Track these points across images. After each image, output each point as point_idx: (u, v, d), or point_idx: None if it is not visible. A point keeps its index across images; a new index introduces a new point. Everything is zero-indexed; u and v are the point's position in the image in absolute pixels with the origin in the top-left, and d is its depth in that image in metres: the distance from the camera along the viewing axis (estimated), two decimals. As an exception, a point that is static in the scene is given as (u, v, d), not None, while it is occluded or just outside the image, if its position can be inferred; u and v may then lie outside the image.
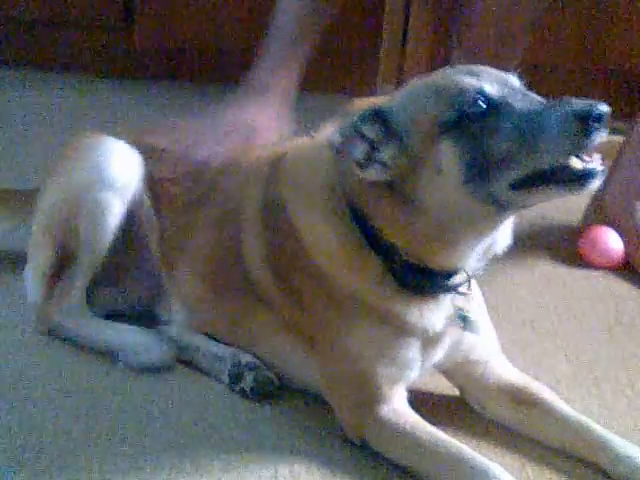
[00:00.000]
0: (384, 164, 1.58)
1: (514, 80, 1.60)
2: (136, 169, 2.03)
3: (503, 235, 1.67)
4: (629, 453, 1.65)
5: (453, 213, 1.57)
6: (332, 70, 3.88)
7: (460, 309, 1.70)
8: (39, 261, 2.03)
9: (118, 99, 3.85)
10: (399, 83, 3.60)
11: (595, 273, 2.58)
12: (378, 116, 1.59)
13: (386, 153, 1.58)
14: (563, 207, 2.96)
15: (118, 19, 4.04)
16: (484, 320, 1.83)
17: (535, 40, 3.02)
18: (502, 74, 1.60)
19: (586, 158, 1.49)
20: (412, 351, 1.70)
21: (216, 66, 4.05)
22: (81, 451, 1.64)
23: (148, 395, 1.82)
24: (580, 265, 2.61)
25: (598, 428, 1.70)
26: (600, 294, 2.46)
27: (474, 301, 1.77)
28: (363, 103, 1.66)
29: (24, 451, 1.63)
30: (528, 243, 2.72)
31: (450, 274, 1.66)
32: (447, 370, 1.84)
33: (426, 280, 1.66)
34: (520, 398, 1.79)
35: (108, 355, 1.93)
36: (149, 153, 2.06)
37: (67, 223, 1.98)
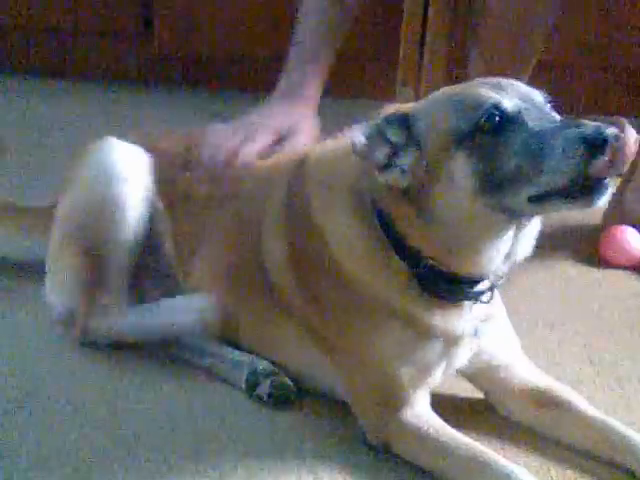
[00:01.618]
0: (403, 170, 1.59)
1: (537, 96, 1.59)
2: (143, 163, 2.03)
3: (524, 243, 1.65)
4: (657, 454, 1.64)
5: (466, 222, 1.57)
6: (351, 74, 3.89)
7: (479, 320, 1.71)
8: (69, 270, 2.01)
9: (138, 106, 3.86)
10: (418, 87, 3.61)
11: (616, 273, 2.58)
12: (403, 121, 1.60)
13: (406, 159, 1.59)
14: (583, 207, 2.95)
15: (138, 26, 4.06)
16: (505, 324, 1.84)
17: (552, 38, 3.01)
18: (526, 89, 1.59)
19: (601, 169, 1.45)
20: (435, 355, 1.70)
21: (235, 72, 4.06)
22: (105, 459, 1.65)
23: (170, 403, 1.83)
24: (601, 265, 2.61)
25: (622, 428, 1.70)
26: (621, 293, 2.46)
27: (495, 308, 1.77)
28: (393, 108, 1.66)
29: (48, 459, 1.64)
30: (548, 244, 2.68)
31: (473, 281, 1.66)
32: (470, 375, 1.84)
33: (449, 286, 1.66)
34: (543, 400, 1.79)
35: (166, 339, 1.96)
36: (157, 155, 2.06)
37: (88, 225, 1.98)
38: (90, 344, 1.99)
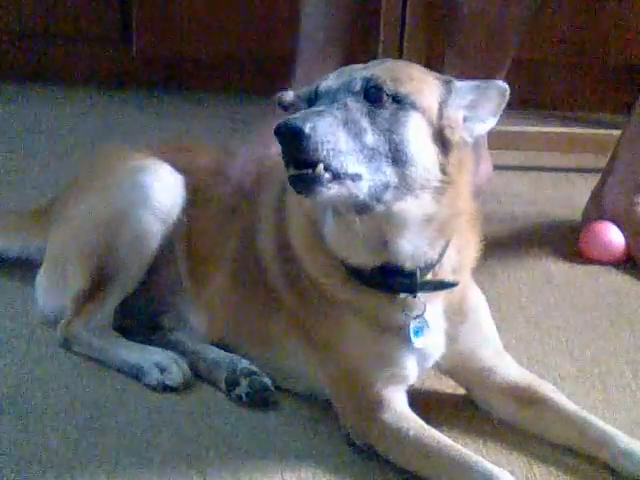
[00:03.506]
0: None
1: (355, 85, 1.56)
2: (180, 194, 2.01)
3: (403, 236, 1.61)
4: (633, 448, 1.65)
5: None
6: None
7: (417, 317, 1.69)
8: (70, 278, 2.00)
9: (117, 109, 3.85)
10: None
11: (597, 268, 2.57)
12: None
13: None
14: (563, 203, 2.96)
15: (116, 29, 4.04)
16: (485, 322, 1.84)
17: (533, 35, 3.02)
18: (347, 77, 1.58)
19: None
20: (398, 349, 1.70)
21: (213, 74, 4.05)
22: (88, 463, 1.65)
23: (154, 406, 1.83)
24: (581, 261, 2.61)
25: (602, 424, 1.71)
26: (602, 289, 2.46)
27: (469, 306, 1.79)
28: None
29: (31, 463, 1.63)
30: (529, 240, 2.71)
31: (388, 275, 1.65)
32: (451, 372, 1.85)
33: (368, 278, 1.66)
34: (524, 397, 1.79)
35: (132, 374, 1.92)
36: (189, 173, 2.05)
37: (106, 244, 1.95)
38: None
